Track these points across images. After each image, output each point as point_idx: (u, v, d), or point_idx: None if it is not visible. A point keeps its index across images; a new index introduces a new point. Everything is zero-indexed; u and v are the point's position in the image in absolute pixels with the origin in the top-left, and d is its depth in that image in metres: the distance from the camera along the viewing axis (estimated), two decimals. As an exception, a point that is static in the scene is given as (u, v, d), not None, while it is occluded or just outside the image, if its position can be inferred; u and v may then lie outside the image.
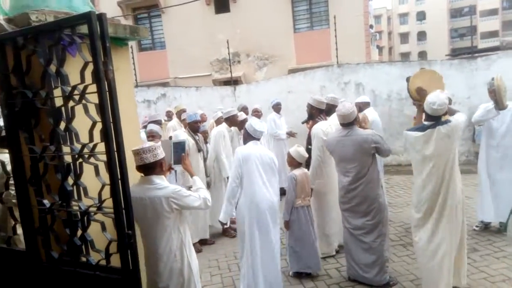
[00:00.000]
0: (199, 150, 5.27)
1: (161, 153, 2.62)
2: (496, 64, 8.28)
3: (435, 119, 3.36)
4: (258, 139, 3.75)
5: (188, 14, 15.04)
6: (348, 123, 3.83)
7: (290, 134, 7.31)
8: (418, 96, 3.79)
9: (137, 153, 2.54)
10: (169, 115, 8.52)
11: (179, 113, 7.62)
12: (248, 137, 3.74)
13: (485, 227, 4.86)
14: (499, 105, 4.40)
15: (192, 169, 3.11)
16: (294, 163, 4.12)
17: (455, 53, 18.98)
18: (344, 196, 3.89)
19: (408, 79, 3.96)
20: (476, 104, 5.41)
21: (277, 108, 7.45)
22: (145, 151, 2.53)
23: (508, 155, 4.73)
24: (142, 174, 2.64)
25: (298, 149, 4.10)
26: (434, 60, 9.27)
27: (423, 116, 3.57)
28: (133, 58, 10.83)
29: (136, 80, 11.22)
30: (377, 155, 3.81)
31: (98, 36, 1.91)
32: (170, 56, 15.73)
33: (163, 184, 2.62)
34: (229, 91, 10.15)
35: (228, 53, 11.57)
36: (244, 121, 6.65)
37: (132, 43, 12.77)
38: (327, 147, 4.09)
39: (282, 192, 6.88)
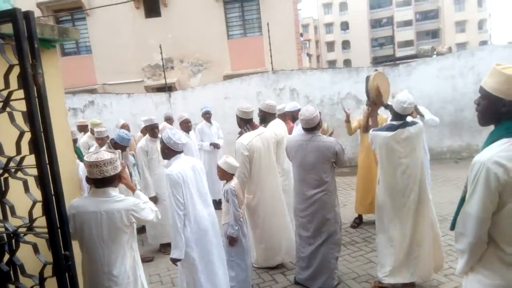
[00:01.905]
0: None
1: (119, 165, 2.43)
2: (416, 71, 8.98)
3: (403, 118, 3.49)
4: (181, 152, 3.38)
5: (115, 17, 14.39)
6: (311, 128, 3.72)
7: (215, 146, 6.84)
8: (375, 97, 3.86)
9: (96, 165, 2.31)
10: (82, 128, 7.56)
11: (94, 128, 6.66)
12: (169, 152, 3.32)
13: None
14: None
15: (131, 183, 2.88)
16: (226, 176, 3.78)
17: (376, 61, 20.33)
18: (301, 202, 3.82)
19: (367, 79, 3.95)
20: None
21: (206, 116, 7.03)
22: (106, 163, 2.32)
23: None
24: (93, 187, 2.42)
25: (227, 160, 3.75)
26: (361, 67, 9.80)
27: (377, 118, 3.82)
28: (57, 63, 10.13)
29: (61, 86, 10.45)
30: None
31: (25, 36, 1.71)
32: (97, 61, 14.91)
33: (120, 196, 2.42)
34: (164, 98, 9.85)
35: (162, 59, 11.25)
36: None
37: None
38: (288, 150, 3.94)
39: (216, 204, 6.71)
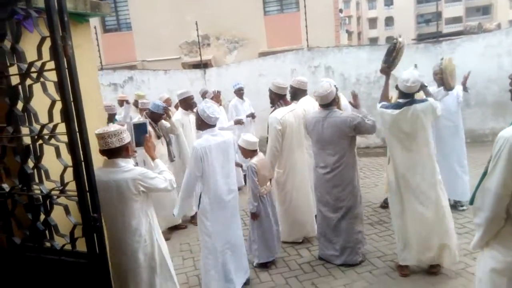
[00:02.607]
0: (159, 137, 4.98)
1: (127, 137, 2.52)
2: (460, 48, 8.53)
3: (410, 97, 3.41)
4: (214, 126, 3.46)
5: (155, -6, 14.57)
6: (327, 104, 3.74)
7: (238, 122, 6.81)
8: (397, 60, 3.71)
9: (102, 137, 2.43)
10: (122, 103, 7.67)
11: (137, 101, 7.08)
12: (202, 124, 3.43)
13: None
14: (447, 86, 4.55)
15: (154, 153, 2.97)
16: (247, 153, 3.88)
17: (422, 38, 19.41)
18: (320, 178, 3.86)
19: (395, 44, 3.76)
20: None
21: (239, 93, 7.10)
22: (110, 135, 2.43)
23: (450, 134, 4.93)
24: (106, 158, 2.55)
25: (244, 138, 3.85)
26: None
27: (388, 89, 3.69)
28: (97, 39, 10.46)
29: (101, 62, 10.80)
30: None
31: (55, 9, 1.80)
32: (137, 38, 15.23)
33: (129, 166, 2.54)
34: (199, 75, 9.98)
35: (197, 36, 11.32)
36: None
37: (96, 24, 12.28)
38: (306, 126, 4.00)
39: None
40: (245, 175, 6.95)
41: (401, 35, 4.39)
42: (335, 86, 5.83)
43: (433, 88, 4.72)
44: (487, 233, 1.79)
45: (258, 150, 3.94)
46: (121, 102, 7.84)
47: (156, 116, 4.97)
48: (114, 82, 10.07)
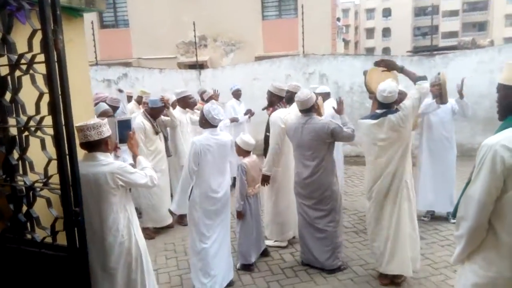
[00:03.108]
0: (157, 132, 5.05)
1: (106, 131, 2.52)
2: (453, 63, 8.65)
3: (387, 107, 3.50)
4: (216, 126, 3.59)
5: (154, -8, 14.59)
6: (306, 110, 3.85)
7: (233, 120, 6.96)
8: (373, 89, 3.93)
9: (80, 129, 2.43)
10: (129, 99, 8.05)
11: (141, 97, 7.26)
12: (206, 123, 3.56)
13: (431, 217, 5.16)
14: (443, 99, 4.65)
15: (137, 149, 2.99)
16: (241, 152, 4.01)
17: (417, 50, 19.63)
18: (299, 182, 3.95)
19: (365, 73, 4.08)
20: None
21: (236, 94, 7.31)
22: (89, 128, 2.43)
23: (442, 145, 5.02)
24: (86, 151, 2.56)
25: (243, 137, 3.99)
26: (395, 55, 9.54)
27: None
28: (93, 34, 10.42)
29: (96, 58, 10.76)
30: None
31: (48, 2, 1.82)
32: (134, 35, 15.21)
33: (107, 160, 2.54)
34: (194, 75, 9.99)
35: (194, 36, 11.33)
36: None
37: (94, 19, 12.24)
38: (287, 132, 4.11)
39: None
40: (234, 177, 7.01)
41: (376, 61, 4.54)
42: (328, 93, 6.00)
43: (426, 100, 4.82)
44: (469, 245, 1.78)
45: (251, 152, 4.05)
46: (128, 98, 7.95)
47: (155, 112, 5.03)
48: (108, 78, 10.05)
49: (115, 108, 5.76)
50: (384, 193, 3.53)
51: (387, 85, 3.49)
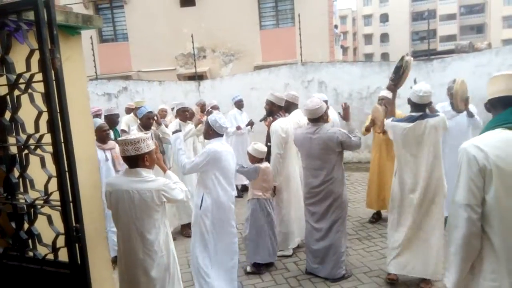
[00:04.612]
0: None
1: (145, 147, 2.55)
2: (451, 67, 8.67)
3: (422, 109, 3.47)
4: (222, 135, 3.63)
5: (152, 6, 14.75)
6: (315, 119, 3.81)
7: (238, 128, 7.04)
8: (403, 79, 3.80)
9: (120, 143, 2.54)
10: (128, 111, 8.00)
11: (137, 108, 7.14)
12: (213, 133, 3.58)
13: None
14: (454, 108, 4.62)
15: (164, 164, 3.04)
16: (255, 160, 4.11)
17: (415, 55, 19.70)
18: (309, 191, 3.94)
19: (403, 58, 3.81)
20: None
21: (239, 104, 7.38)
22: (127, 143, 2.50)
23: (453, 154, 4.97)
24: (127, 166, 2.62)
25: (254, 146, 4.10)
26: (393, 61, 9.55)
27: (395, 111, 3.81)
28: (93, 49, 10.52)
29: (96, 72, 10.85)
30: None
31: (45, 23, 1.85)
32: (133, 49, 15.36)
33: (151, 176, 2.58)
34: (193, 86, 10.05)
35: (193, 48, 11.43)
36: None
37: (93, 34, 12.37)
38: (295, 142, 4.11)
39: (245, 188, 6.90)
40: (242, 185, 7.07)
41: (408, 54, 4.47)
42: (325, 101, 6.00)
43: (443, 105, 4.81)
44: (465, 260, 1.75)
45: (264, 159, 4.15)
46: (128, 110, 7.95)
47: (144, 121, 4.98)
48: (108, 92, 10.11)
49: (114, 120, 5.74)
50: (415, 195, 3.46)
51: (422, 85, 3.50)
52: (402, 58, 3.81)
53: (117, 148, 4.30)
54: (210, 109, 6.58)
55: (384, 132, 4.71)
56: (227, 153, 3.56)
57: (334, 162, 3.77)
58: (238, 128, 6.97)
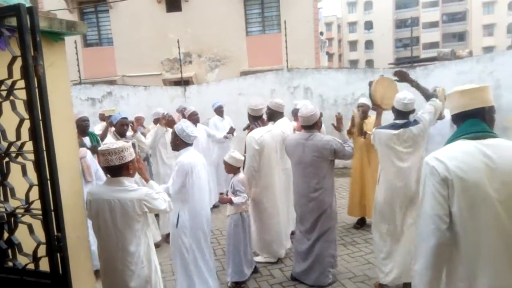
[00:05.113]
0: None
1: (128, 155, 2.51)
2: (433, 74, 8.85)
3: (406, 116, 3.53)
4: (191, 145, 3.51)
5: (137, 10, 14.67)
6: (310, 126, 3.79)
7: (231, 132, 6.90)
8: (379, 101, 3.93)
9: (102, 154, 2.46)
10: (102, 118, 7.66)
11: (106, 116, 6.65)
12: (180, 143, 3.45)
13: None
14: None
15: (147, 174, 3.00)
16: (233, 169, 3.98)
17: (399, 62, 20.05)
18: (299, 200, 3.92)
19: (370, 84, 4.06)
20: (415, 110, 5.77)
21: (219, 111, 7.21)
22: (111, 153, 2.44)
23: None
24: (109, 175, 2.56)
25: (232, 154, 3.96)
26: (377, 68, 9.73)
27: (380, 119, 3.89)
28: (77, 53, 10.39)
29: (79, 77, 10.71)
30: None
31: (27, 29, 1.82)
32: (118, 53, 15.22)
33: (133, 186, 2.53)
34: (179, 92, 10.01)
35: (179, 53, 11.40)
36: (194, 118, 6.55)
37: (77, 38, 12.22)
38: (286, 148, 4.04)
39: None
40: (221, 193, 6.98)
41: (384, 74, 4.56)
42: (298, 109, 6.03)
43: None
44: (435, 273, 1.74)
45: (240, 169, 4.04)
46: (103, 117, 7.75)
47: (119, 128, 4.84)
48: (92, 96, 9.99)
49: (82, 126, 5.46)
50: (399, 202, 3.49)
51: (406, 93, 3.54)
52: (370, 83, 4.00)
53: (88, 157, 4.13)
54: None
55: (362, 134, 4.80)
56: (198, 163, 3.45)
57: (325, 170, 3.76)
58: (231, 131, 6.88)
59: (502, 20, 46.83)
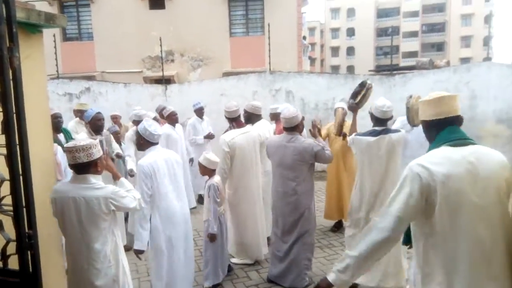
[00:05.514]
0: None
1: (97, 152, 2.45)
2: (411, 82, 9.06)
3: (384, 123, 3.57)
4: (157, 143, 3.38)
5: (119, 6, 14.44)
6: (291, 128, 3.79)
7: (209, 137, 6.89)
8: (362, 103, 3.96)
9: (69, 151, 2.38)
10: (76, 114, 7.20)
11: (80, 112, 6.47)
12: (145, 143, 3.33)
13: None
14: (410, 122, 4.81)
15: (116, 170, 2.91)
16: (207, 171, 3.89)
17: (379, 69, 20.42)
18: (278, 201, 3.91)
19: (363, 84, 4.00)
20: (393, 117, 5.87)
21: (199, 112, 7.08)
22: (78, 150, 2.37)
23: None
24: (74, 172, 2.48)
25: (206, 156, 3.87)
26: (358, 74, 9.88)
27: (356, 124, 3.91)
28: (55, 47, 10.14)
29: (57, 71, 10.44)
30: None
31: (3, 19, 1.77)
32: (98, 49, 14.93)
33: (100, 183, 2.47)
34: (160, 90, 9.88)
35: (161, 51, 11.27)
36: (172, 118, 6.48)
37: (56, 32, 11.93)
38: (267, 149, 4.03)
39: (201, 198, 6.76)
40: (199, 195, 6.91)
41: (368, 79, 4.61)
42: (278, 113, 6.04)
43: (403, 118, 4.97)
44: (374, 253, 1.78)
45: (217, 171, 3.97)
46: (76, 113, 7.55)
47: (93, 125, 4.65)
48: (70, 92, 9.76)
49: (55, 123, 5.26)
50: (376, 208, 3.51)
51: (384, 100, 3.58)
52: (363, 84, 3.95)
53: (59, 154, 4.00)
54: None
55: (341, 135, 4.85)
56: (165, 161, 3.30)
57: (305, 173, 3.78)
58: (210, 137, 6.86)
59: (479, 33, 48.32)
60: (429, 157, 1.78)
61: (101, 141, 3.08)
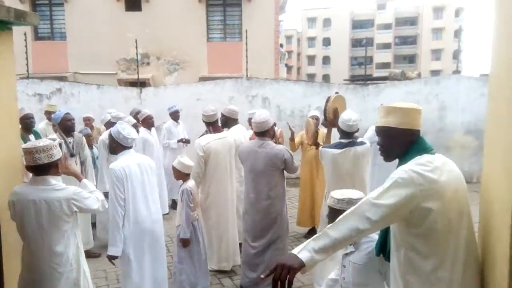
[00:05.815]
0: (72, 155, 4.47)
1: (57, 153, 2.38)
2: (384, 92, 9.29)
3: (351, 136, 3.60)
4: (130, 147, 3.29)
5: (94, 6, 14.15)
6: (262, 133, 3.79)
7: (185, 141, 6.85)
8: (332, 117, 3.96)
9: (29, 152, 2.28)
10: (48, 116, 6.97)
11: (49, 113, 6.31)
12: (118, 147, 3.23)
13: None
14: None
15: (77, 172, 2.84)
16: (181, 176, 3.79)
17: (353, 79, 20.84)
18: (250, 207, 3.89)
19: (328, 100, 4.05)
20: (365, 126, 5.97)
21: (175, 115, 7.01)
22: (38, 151, 2.29)
23: (382, 175, 5.28)
24: (33, 174, 2.39)
25: (181, 160, 3.76)
26: (333, 83, 10.04)
27: (331, 136, 3.91)
28: (26, 46, 9.82)
29: (28, 70, 10.09)
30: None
31: (-29, 14, 1.69)
32: (70, 49, 14.54)
33: (61, 185, 2.40)
34: (135, 93, 9.71)
35: (136, 53, 11.11)
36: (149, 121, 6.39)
37: (28, 30, 11.56)
38: (239, 155, 4.01)
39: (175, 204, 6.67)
40: (173, 200, 6.81)
41: (338, 92, 4.67)
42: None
43: (373, 128, 5.06)
44: (341, 244, 1.71)
45: (191, 175, 3.89)
46: (47, 114, 7.31)
47: (63, 127, 4.47)
48: (40, 92, 9.46)
49: (27, 124, 4.80)
50: None
51: (351, 114, 3.59)
52: (328, 100, 4.01)
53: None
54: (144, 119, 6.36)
55: (316, 145, 4.91)
56: (138, 166, 3.23)
57: (277, 179, 3.79)
58: (186, 141, 6.82)
59: (449, 46, 50.11)
60: (422, 163, 1.73)
61: (60, 144, 2.96)
